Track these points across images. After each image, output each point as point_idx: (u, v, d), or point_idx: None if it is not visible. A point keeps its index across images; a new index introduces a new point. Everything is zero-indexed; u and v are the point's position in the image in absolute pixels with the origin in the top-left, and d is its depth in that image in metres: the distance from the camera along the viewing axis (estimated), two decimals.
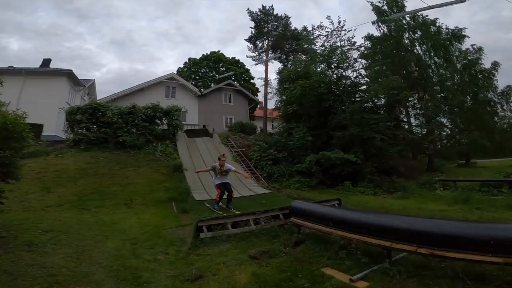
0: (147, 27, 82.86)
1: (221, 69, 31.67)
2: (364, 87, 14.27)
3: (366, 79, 14.95)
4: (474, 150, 19.13)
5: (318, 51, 14.71)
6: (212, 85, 27.08)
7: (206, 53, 33.12)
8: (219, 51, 33.24)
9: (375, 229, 3.24)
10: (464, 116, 18.45)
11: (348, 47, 13.61)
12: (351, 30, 13.11)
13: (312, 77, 13.46)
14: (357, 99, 13.66)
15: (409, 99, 16.93)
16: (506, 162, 17.44)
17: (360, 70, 14.34)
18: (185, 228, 4.91)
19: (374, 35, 19.86)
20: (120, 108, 13.39)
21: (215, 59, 32.41)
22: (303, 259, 3.48)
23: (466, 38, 18.87)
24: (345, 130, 11.83)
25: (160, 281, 3.17)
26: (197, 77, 31.16)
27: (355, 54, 14.20)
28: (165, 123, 14.78)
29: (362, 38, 19.75)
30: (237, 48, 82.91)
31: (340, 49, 13.52)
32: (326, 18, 13.85)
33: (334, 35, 13.66)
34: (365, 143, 11.14)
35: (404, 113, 18.80)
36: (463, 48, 19.26)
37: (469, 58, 19.08)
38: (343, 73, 13.98)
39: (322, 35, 14.47)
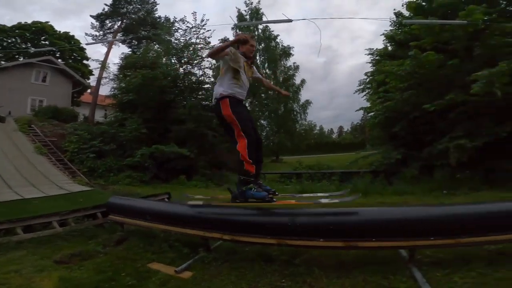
0: None
1: (44, 42, 23.99)
2: (208, 85, 15.12)
3: (211, 78, 15.88)
4: (281, 148, 25.04)
5: (174, 43, 14.72)
6: (21, 59, 20.28)
7: (25, 22, 24.02)
8: (47, 22, 24.88)
9: (193, 220, 3.29)
10: (277, 121, 23.79)
11: (202, 45, 14.31)
12: (210, 30, 14.07)
13: (159, 68, 13.04)
14: (199, 96, 14.44)
15: None
16: (300, 158, 24.07)
17: (206, 69, 15.18)
18: None
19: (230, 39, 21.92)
20: None
21: (36, 30, 24.03)
22: (127, 257, 3.26)
23: (292, 55, 24.40)
24: (184, 124, 12.20)
25: None
26: None
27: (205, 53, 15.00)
28: None
29: (218, 40, 21.40)
30: (80, 23, 65.44)
31: (193, 46, 14.04)
32: (192, 13, 14.27)
33: (193, 31, 14.08)
34: (200, 139, 11.95)
35: None
36: (287, 64, 24.67)
37: (288, 73, 24.81)
38: (191, 70, 14.50)
39: (181, 29, 14.67)
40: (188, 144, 11.66)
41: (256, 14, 23.09)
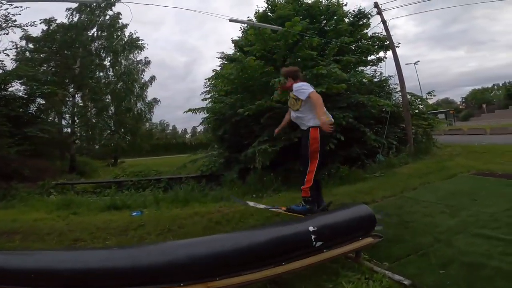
0: None
1: None
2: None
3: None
4: (121, 150, 21.64)
5: None
6: None
7: None
8: None
9: None
10: (117, 119, 20.40)
11: None
12: (19, 7, 10.05)
13: None
14: None
15: (58, 95, 15.70)
16: (142, 161, 21.61)
17: None
18: None
19: (62, 21, 17.43)
20: None
21: None
22: None
23: (146, 49, 21.76)
24: None
25: None
26: None
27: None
28: None
29: (40, 20, 16.31)
30: None
31: None
32: None
33: None
34: None
35: (53, 109, 17.14)
36: (138, 58, 22.04)
37: (136, 68, 21.76)
38: None
39: None
40: None
41: None
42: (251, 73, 7.89)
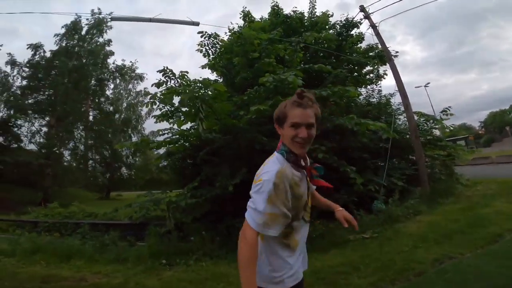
0: None
1: None
2: None
3: None
4: (116, 183, 20.12)
5: None
6: None
7: None
8: None
9: None
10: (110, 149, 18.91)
11: None
12: None
13: None
14: None
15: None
16: (135, 195, 19.76)
17: None
18: None
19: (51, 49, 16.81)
20: None
21: None
22: None
23: (146, 79, 21.08)
24: None
25: None
26: None
27: None
28: None
29: (27, 45, 16.14)
30: None
31: None
32: None
33: None
34: None
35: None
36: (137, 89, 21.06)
37: (135, 99, 20.85)
38: None
39: None
40: None
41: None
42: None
